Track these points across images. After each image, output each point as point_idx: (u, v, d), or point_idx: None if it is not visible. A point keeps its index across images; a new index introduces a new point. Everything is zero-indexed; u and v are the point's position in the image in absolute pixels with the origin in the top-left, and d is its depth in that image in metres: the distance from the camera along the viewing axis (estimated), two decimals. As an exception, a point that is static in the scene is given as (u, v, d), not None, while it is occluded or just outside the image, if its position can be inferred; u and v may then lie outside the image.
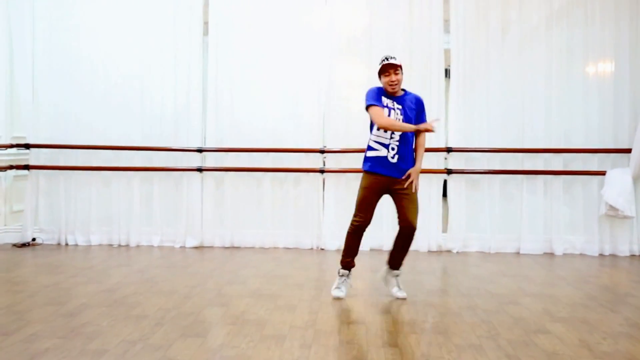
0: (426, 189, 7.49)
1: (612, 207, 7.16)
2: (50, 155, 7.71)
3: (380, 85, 5.15)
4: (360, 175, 5.20)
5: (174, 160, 7.71)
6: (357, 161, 7.48)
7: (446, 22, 7.56)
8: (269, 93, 7.59)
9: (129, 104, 7.65)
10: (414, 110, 5.11)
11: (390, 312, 4.84)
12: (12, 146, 7.55)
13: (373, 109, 5.00)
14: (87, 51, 7.65)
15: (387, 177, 5.06)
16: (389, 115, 4.99)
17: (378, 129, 5.03)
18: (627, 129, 7.38)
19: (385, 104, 5.03)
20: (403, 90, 5.17)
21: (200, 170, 7.60)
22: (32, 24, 7.63)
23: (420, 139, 5.22)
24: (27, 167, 7.65)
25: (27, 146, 7.63)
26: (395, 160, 5.03)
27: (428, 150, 7.33)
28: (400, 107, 5.05)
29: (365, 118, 5.23)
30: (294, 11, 7.59)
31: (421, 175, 7.35)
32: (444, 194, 7.63)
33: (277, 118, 7.61)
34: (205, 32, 7.72)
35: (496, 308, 4.97)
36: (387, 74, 5.01)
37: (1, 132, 7.59)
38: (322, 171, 7.54)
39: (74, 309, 4.80)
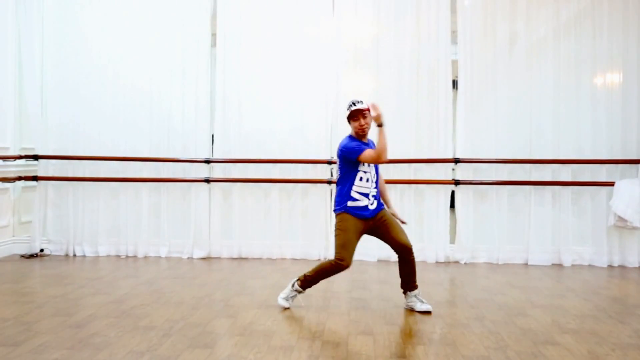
0: (434, 200, 7.50)
1: (620, 218, 7.12)
2: (58, 166, 7.75)
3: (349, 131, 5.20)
4: None
5: (181, 171, 7.73)
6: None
7: (454, 33, 7.58)
8: (277, 104, 7.62)
9: (137, 115, 7.68)
10: None
11: (398, 323, 4.83)
12: (20, 157, 7.58)
13: (365, 153, 4.95)
14: (95, 63, 7.70)
15: (368, 219, 5.10)
16: (369, 165, 5.06)
17: (360, 180, 5.06)
18: (635, 139, 7.36)
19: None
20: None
21: (207, 181, 7.62)
22: (41, 36, 7.69)
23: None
24: (35, 178, 7.68)
25: (36, 157, 7.66)
26: (374, 206, 5.10)
27: (436, 161, 7.39)
28: None
29: (373, 131, 5.18)
30: (301, 23, 7.62)
31: (428, 186, 7.46)
32: (452, 205, 7.61)
33: (285, 129, 7.63)
34: (213, 44, 7.76)
35: (504, 319, 4.95)
36: (356, 118, 5.04)
37: (10, 144, 7.62)
38: (329, 182, 7.54)
39: (81, 320, 4.81)
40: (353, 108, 5.02)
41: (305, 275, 5.25)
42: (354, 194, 5.07)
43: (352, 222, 5.06)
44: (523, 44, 7.49)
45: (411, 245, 5.14)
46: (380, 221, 5.12)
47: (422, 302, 5.22)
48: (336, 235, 5.11)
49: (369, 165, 5.06)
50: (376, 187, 5.13)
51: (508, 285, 6.27)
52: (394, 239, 5.11)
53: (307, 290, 5.36)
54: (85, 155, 7.67)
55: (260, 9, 7.65)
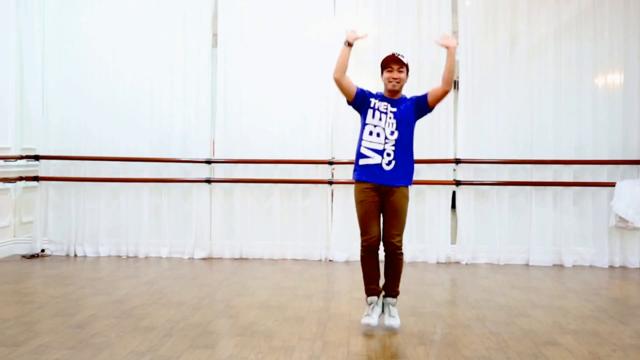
0: (435, 201, 7.49)
1: (621, 219, 7.12)
2: (59, 166, 7.75)
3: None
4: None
5: (182, 172, 7.72)
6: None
7: (454, 33, 7.57)
8: (278, 104, 7.61)
9: (138, 115, 7.68)
10: (411, 108, 4.62)
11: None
12: (21, 157, 7.58)
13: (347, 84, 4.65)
14: (96, 63, 7.69)
15: (380, 185, 4.54)
16: (380, 119, 4.53)
17: (370, 134, 4.56)
18: (636, 140, 7.35)
19: (373, 106, 4.58)
20: (403, 95, 4.72)
21: (208, 181, 7.61)
22: (42, 36, 7.69)
23: (448, 62, 4.61)
24: (36, 178, 7.68)
25: (37, 157, 7.66)
26: (390, 167, 4.53)
27: (435, 161, 7.38)
28: (394, 109, 4.57)
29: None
30: (302, 23, 7.61)
31: (429, 186, 7.44)
32: (453, 206, 7.61)
33: (286, 129, 7.62)
34: (214, 44, 7.76)
35: (505, 320, 4.95)
36: (389, 69, 4.59)
37: (11, 144, 7.62)
38: (330, 182, 7.54)
39: (82, 320, 4.81)
40: (389, 55, 4.58)
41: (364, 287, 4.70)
42: (363, 150, 4.54)
43: (364, 191, 4.55)
44: (524, 45, 7.48)
45: (400, 245, 4.60)
46: (390, 200, 4.54)
47: (390, 315, 4.67)
48: (356, 211, 4.66)
49: (379, 119, 4.53)
50: (395, 149, 4.49)
51: (509, 285, 6.27)
52: (385, 228, 4.58)
53: (313, 289, 5.33)
54: (86, 156, 7.66)
55: (261, 10, 7.64)
